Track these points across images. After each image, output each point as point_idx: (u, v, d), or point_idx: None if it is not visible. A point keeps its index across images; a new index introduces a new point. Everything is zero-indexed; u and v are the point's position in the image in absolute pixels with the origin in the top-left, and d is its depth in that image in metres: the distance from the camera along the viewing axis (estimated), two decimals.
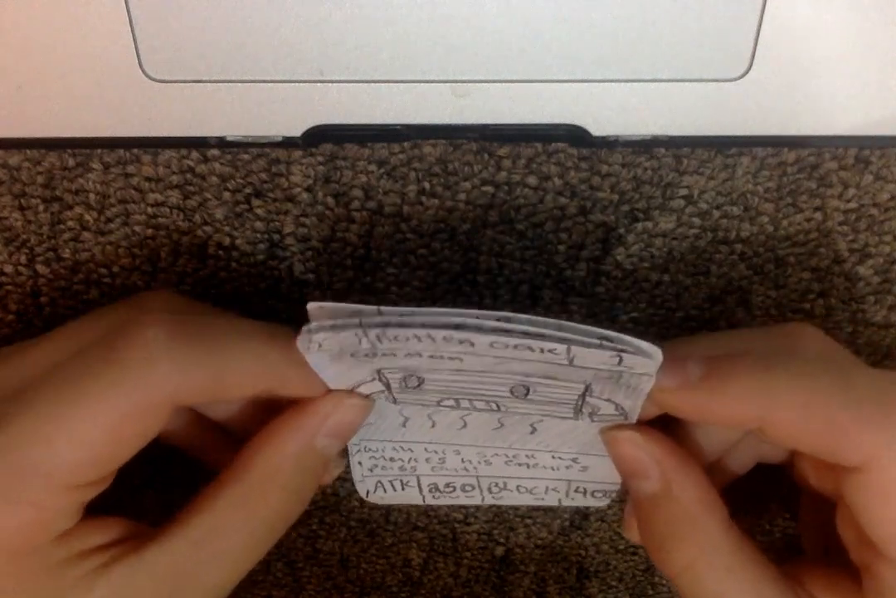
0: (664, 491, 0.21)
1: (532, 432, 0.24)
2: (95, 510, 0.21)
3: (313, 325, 0.20)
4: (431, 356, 0.20)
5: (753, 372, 0.20)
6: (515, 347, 0.19)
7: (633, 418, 0.22)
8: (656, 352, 0.19)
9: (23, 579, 0.20)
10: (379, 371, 0.21)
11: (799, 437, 0.20)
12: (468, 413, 0.23)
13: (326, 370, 0.21)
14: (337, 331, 0.20)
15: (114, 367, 0.19)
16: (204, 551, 0.21)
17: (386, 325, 0.19)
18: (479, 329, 0.19)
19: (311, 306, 0.20)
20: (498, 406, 0.23)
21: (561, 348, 0.19)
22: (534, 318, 0.19)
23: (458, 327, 0.19)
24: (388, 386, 0.22)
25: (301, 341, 0.20)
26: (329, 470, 0.25)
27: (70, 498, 0.20)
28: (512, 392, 0.22)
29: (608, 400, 0.22)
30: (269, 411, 0.23)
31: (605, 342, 0.19)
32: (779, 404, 0.20)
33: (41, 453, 0.19)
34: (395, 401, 0.23)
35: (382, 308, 0.19)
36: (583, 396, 0.22)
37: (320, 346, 0.20)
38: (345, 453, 0.26)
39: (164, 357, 0.20)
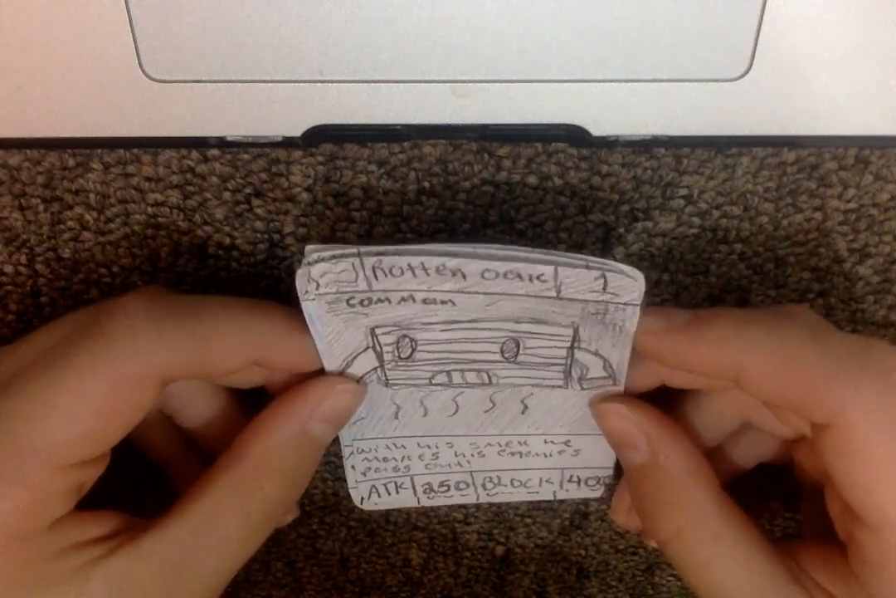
0: (652, 461, 0.22)
1: (523, 412, 0.24)
2: (91, 505, 0.21)
3: (312, 256, 0.20)
4: (424, 301, 0.21)
5: (734, 323, 0.20)
6: (506, 275, 0.20)
7: (622, 381, 0.22)
8: (637, 274, 0.20)
9: (19, 565, 0.19)
10: (372, 332, 0.22)
11: (771, 389, 0.20)
12: (460, 392, 0.24)
13: (320, 329, 0.21)
14: (335, 262, 0.20)
15: (97, 340, 0.20)
16: (202, 538, 0.21)
17: (383, 253, 0.20)
18: (471, 256, 0.20)
19: (309, 248, 0.20)
20: (489, 377, 0.23)
21: (548, 272, 0.20)
22: (523, 247, 0.20)
23: (451, 255, 0.20)
24: (380, 358, 0.22)
25: (300, 278, 0.20)
26: (285, 516, 0.25)
27: (64, 479, 0.20)
28: (503, 352, 0.22)
29: (596, 353, 0.22)
30: (244, 419, 0.23)
31: (589, 263, 0.20)
32: (754, 355, 0.20)
33: (32, 430, 0.19)
34: (387, 383, 0.23)
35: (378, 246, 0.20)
36: (571, 350, 0.22)
37: (318, 286, 0.20)
38: (335, 448, 0.26)
39: (146, 327, 0.20)
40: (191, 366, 0.20)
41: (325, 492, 0.31)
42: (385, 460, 0.25)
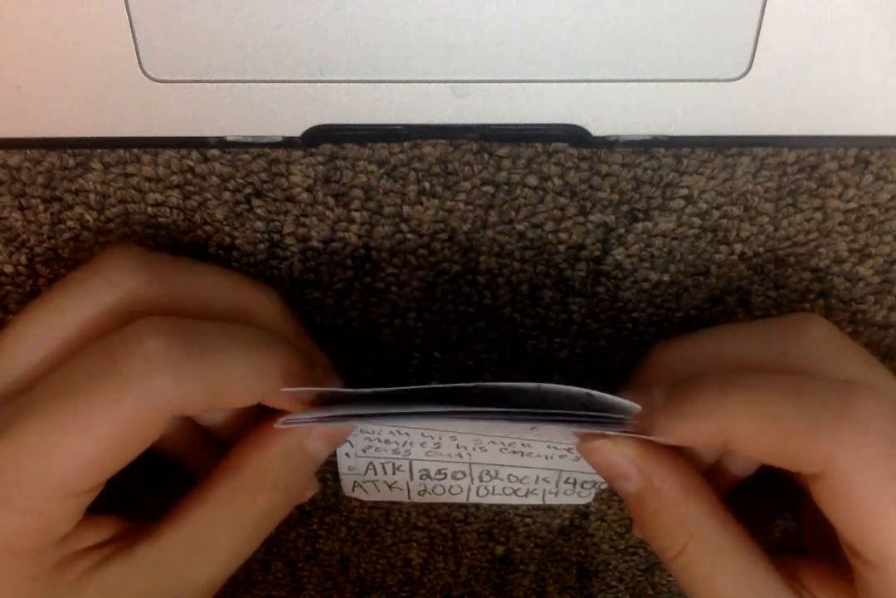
0: (647, 486, 0.22)
1: (532, 429, 0.24)
2: (92, 508, 0.21)
3: (287, 418, 0.21)
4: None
5: (710, 392, 0.21)
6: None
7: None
8: (633, 407, 0.20)
9: (24, 581, 0.20)
10: None
11: (758, 450, 0.20)
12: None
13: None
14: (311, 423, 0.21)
15: (114, 380, 0.20)
16: (195, 546, 0.21)
17: (360, 417, 0.21)
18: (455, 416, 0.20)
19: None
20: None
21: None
22: (506, 407, 0.20)
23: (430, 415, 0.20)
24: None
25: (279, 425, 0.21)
26: (304, 492, 0.25)
27: (70, 504, 0.20)
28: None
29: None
30: (259, 418, 0.23)
31: (584, 415, 0.20)
32: (734, 421, 0.20)
33: (42, 463, 0.19)
34: None
35: (353, 392, 0.21)
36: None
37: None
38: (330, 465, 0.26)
39: (163, 370, 0.20)
40: (200, 406, 0.21)
41: (325, 492, 0.31)
42: (387, 442, 0.26)
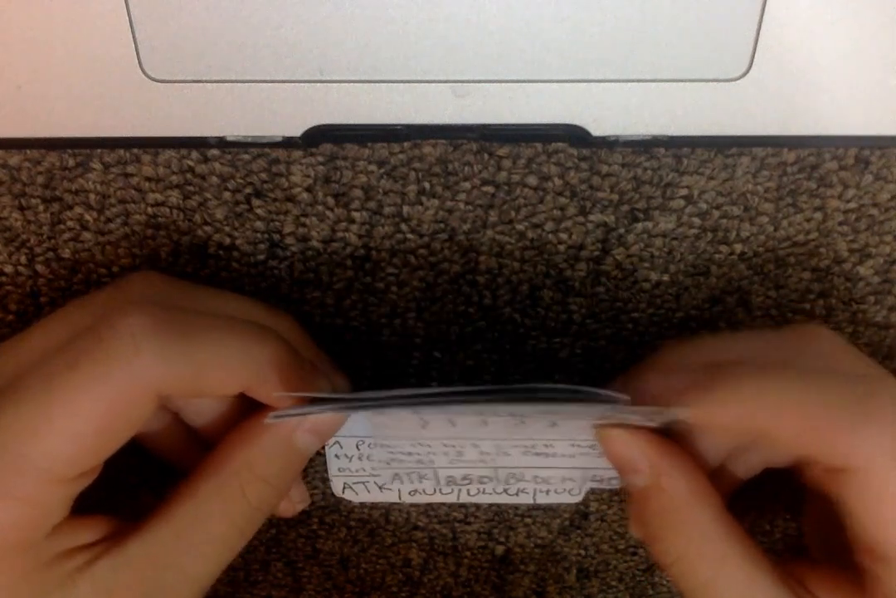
0: (654, 484, 0.22)
1: (552, 426, 0.24)
2: (87, 508, 0.21)
3: (277, 413, 0.21)
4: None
5: (750, 376, 0.21)
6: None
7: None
8: (623, 398, 0.21)
9: (15, 576, 0.20)
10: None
11: (788, 445, 0.21)
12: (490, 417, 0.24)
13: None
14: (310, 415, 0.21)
15: (100, 358, 0.20)
16: (185, 541, 0.21)
17: (349, 407, 0.21)
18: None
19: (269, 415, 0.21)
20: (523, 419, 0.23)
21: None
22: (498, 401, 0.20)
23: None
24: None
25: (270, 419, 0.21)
26: (294, 504, 0.25)
27: (60, 491, 0.20)
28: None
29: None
30: (249, 414, 0.23)
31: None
32: (772, 406, 0.20)
33: (30, 446, 0.19)
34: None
35: (341, 397, 0.21)
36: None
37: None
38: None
39: (149, 348, 0.20)
40: (186, 388, 0.21)
41: (325, 492, 0.31)
42: (409, 454, 0.26)
